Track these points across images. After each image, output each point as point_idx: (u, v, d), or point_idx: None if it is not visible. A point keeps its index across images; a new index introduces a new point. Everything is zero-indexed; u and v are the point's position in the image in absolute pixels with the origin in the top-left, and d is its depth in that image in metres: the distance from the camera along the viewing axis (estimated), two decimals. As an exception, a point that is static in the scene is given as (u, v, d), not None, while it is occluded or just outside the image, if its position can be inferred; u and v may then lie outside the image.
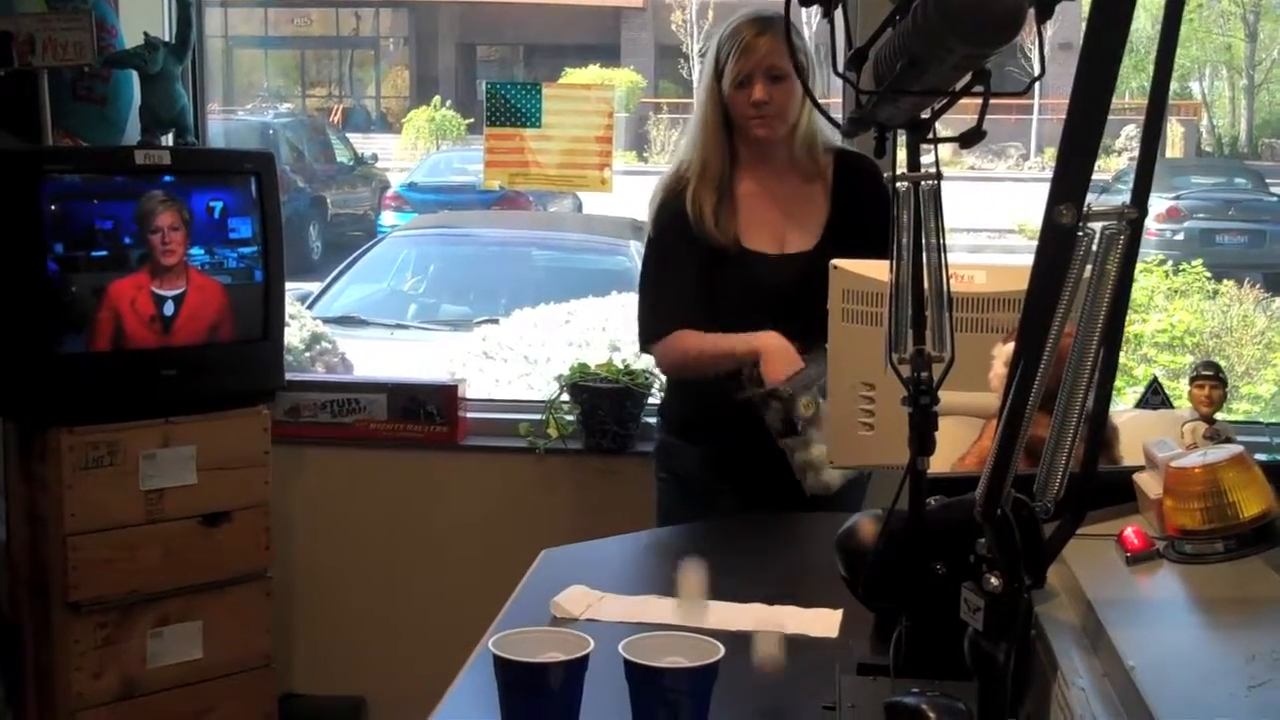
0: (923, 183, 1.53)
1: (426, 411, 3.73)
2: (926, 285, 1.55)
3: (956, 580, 1.43)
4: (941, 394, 1.54)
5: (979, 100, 1.31)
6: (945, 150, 1.52)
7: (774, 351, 2.67)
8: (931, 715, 1.43)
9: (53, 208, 3.14)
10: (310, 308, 5.81)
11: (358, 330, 5.77)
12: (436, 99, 15.95)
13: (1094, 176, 1.24)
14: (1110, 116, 1.21)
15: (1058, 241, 1.24)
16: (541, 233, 8.05)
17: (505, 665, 1.49)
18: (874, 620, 1.83)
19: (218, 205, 3.34)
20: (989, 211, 11.51)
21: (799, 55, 2.79)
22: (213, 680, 3.36)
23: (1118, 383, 1.73)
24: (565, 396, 3.69)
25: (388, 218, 10.83)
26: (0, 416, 3.27)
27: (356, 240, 10.28)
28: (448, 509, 3.77)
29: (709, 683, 1.50)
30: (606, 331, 4.64)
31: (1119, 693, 1.29)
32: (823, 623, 1.96)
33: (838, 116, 2.64)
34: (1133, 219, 1.26)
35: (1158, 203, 9.19)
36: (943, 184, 1.53)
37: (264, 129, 12.06)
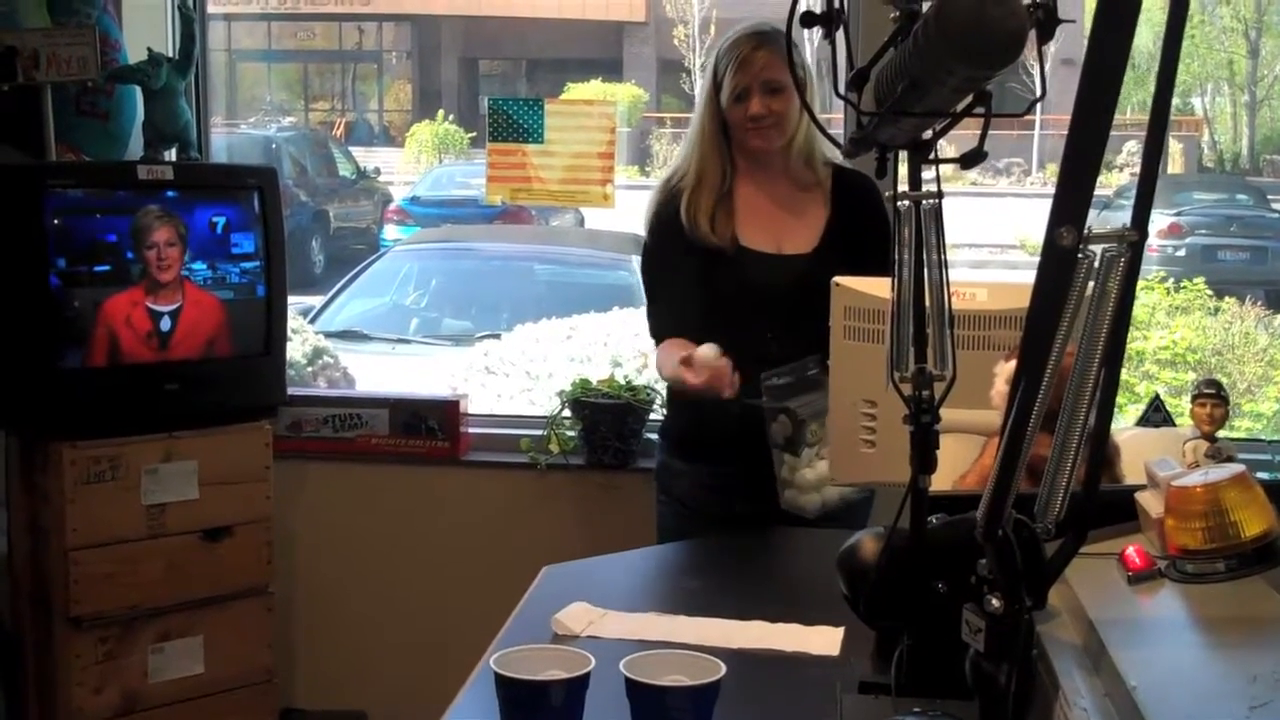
0: (924, 201, 1.54)
1: (428, 426, 3.73)
2: (928, 303, 1.55)
3: (958, 599, 1.43)
4: (943, 412, 1.54)
5: (980, 119, 1.32)
6: (946, 168, 1.52)
7: (669, 374, 2.75)
8: (933, 735, 1.43)
9: (55, 222, 3.14)
10: (312, 322, 5.81)
11: (360, 345, 5.77)
12: (440, 113, 15.97)
13: (1095, 193, 1.24)
14: (1111, 133, 1.22)
15: (1059, 263, 1.24)
16: (544, 247, 8.05)
17: (506, 683, 1.49)
18: (875, 638, 1.83)
19: (220, 220, 3.35)
20: (990, 227, 11.52)
21: (797, 70, 2.80)
22: (214, 695, 3.35)
23: (1119, 400, 1.73)
24: (567, 412, 3.68)
25: (390, 232, 10.85)
26: (3, 430, 3.27)
27: (359, 254, 10.29)
28: (449, 524, 3.77)
29: (710, 701, 1.50)
30: (608, 347, 4.64)
31: (1121, 713, 1.29)
32: (824, 641, 1.96)
33: (838, 135, 2.65)
34: (1133, 241, 1.26)
35: (1159, 219, 9.19)
36: (944, 200, 1.53)
37: (267, 143, 12.08)
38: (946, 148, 1.48)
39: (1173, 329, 6.07)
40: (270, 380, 3.47)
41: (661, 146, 15.00)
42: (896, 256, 1.57)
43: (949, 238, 1.54)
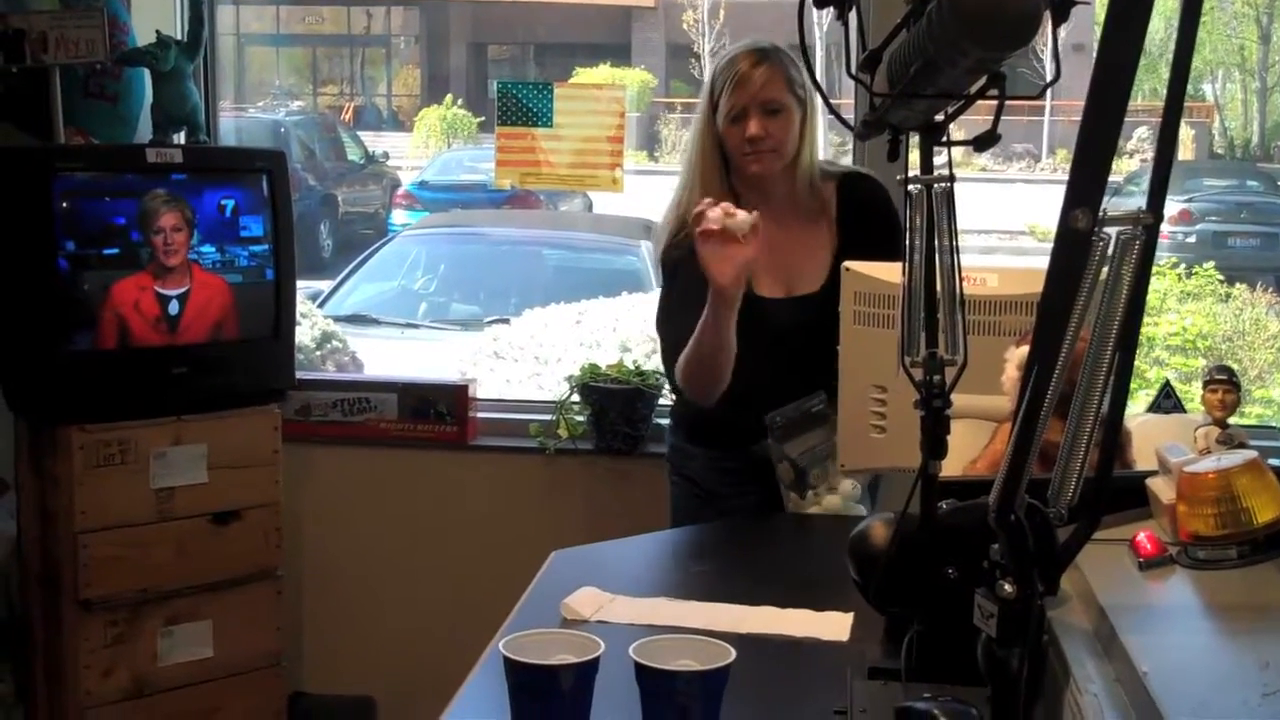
0: (935, 185, 1.53)
1: (437, 411, 3.73)
2: (939, 288, 1.54)
3: (968, 585, 1.43)
4: (953, 397, 1.53)
5: (992, 103, 1.31)
6: (957, 152, 1.51)
7: (711, 279, 2.57)
8: (943, 720, 1.43)
9: (64, 205, 3.14)
10: (321, 306, 5.82)
11: (368, 329, 5.77)
12: (448, 98, 15.95)
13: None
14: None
15: (1073, 246, 1.23)
16: (552, 232, 8.04)
17: (516, 667, 1.49)
18: (885, 624, 1.83)
19: (229, 203, 3.34)
20: (1001, 213, 11.49)
21: (795, 89, 2.75)
22: (222, 679, 3.36)
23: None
24: (576, 397, 3.68)
25: (399, 216, 10.83)
26: (12, 413, 3.27)
27: (367, 239, 10.28)
28: (458, 509, 3.77)
29: (720, 686, 1.49)
30: (617, 332, 4.64)
31: (1132, 699, 1.29)
32: (834, 626, 1.96)
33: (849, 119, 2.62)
34: (1148, 224, 1.25)
35: (1170, 205, 9.14)
36: (955, 184, 1.52)
37: (275, 127, 12.07)
38: (957, 133, 1.47)
39: (1183, 315, 6.06)
40: (279, 364, 3.47)
41: (670, 132, 14.96)
42: (907, 241, 1.57)
43: (959, 223, 1.53)
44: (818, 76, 2.84)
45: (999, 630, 1.35)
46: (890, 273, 2.25)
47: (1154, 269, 1.30)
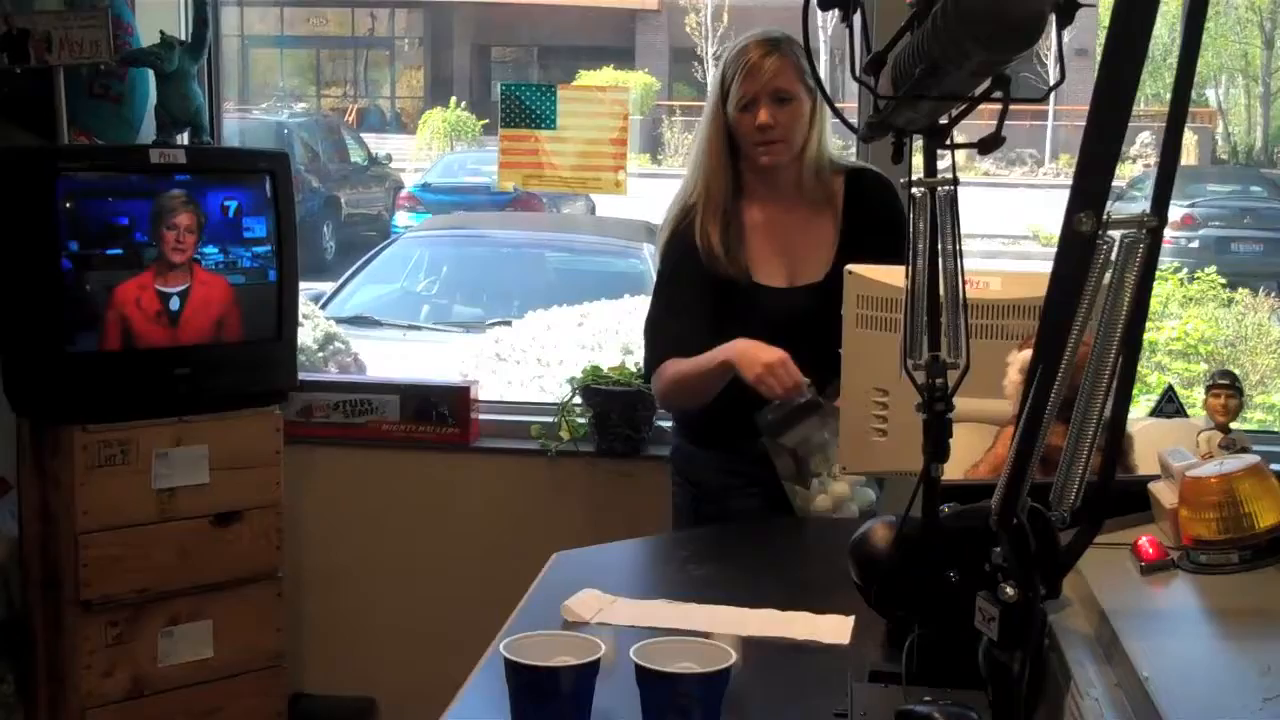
0: (939, 188, 1.53)
1: (439, 413, 3.73)
2: (942, 291, 1.54)
3: (969, 588, 1.42)
4: (956, 401, 1.53)
5: (995, 106, 1.31)
6: (960, 156, 1.51)
7: (743, 356, 2.64)
8: (944, 724, 1.43)
9: (67, 206, 3.14)
10: (324, 308, 5.80)
11: (371, 331, 5.76)
12: (452, 100, 15.95)
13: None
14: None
15: (1077, 250, 1.23)
16: (555, 235, 8.03)
17: (516, 669, 1.49)
18: (886, 627, 1.83)
19: (232, 204, 3.35)
20: (1004, 218, 11.48)
21: (805, 80, 2.76)
22: (223, 679, 3.36)
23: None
24: (577, 399, 3.68)
25: (401, 218, 10.82)
26: (14, 413, 3.27)
27: (370, 240, 10.27)
28: (459, 511, 3.77)
29: (720, 689, 1.49)
30: (619, 334, 4.63)
31: (1132, 704, 1.29)
32: (835, 629, 1.96)
33: (854, 123, 2.62)
34: (1153, 227, 1.25)
35: (1173, 210, 9.11)
36: (958, 187, 1.52)
37: (279, 128, 12.05)
38: (961, 136, 1.47)
39: (1185, 320, 6.05)
40: (281, 365, 3.47)
41: (673, 135, 14.95)
42: (911, 244, 1.57)
43: (962, 227, 1.53)
44: (822, 79, 2.86)
45: (1000, 634, 1.35)
46: (893, 276, 2.25)
47: (1156, 273, 1.30)
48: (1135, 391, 1.49)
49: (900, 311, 1.60)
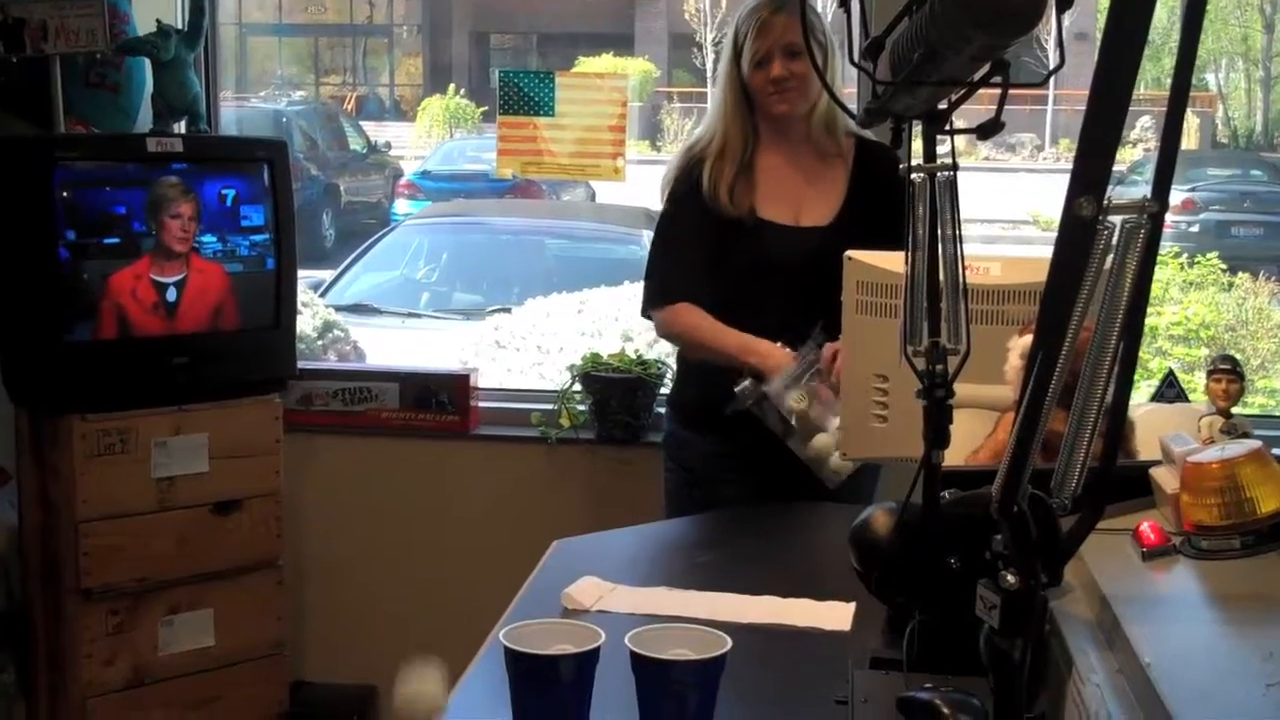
0: (939, 174, 1.52)
1: (438, 400, 3.72)
2: (942, 277, 1.54)
3: (970, 575, 1.42)
4: (956, 387, 1.53)
5: (995, 91, 1.30)
6: (960, 141, 1.51)
7: (767, 361, 2.71)
8: (945, 711, 1.42)
9: (64, 195, 3.13)
10: (323, 296, 5.80)
11: (370, 318, 5.77)
12: (451, 87, 15.92)
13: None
14: (1125, 107, 1.20)
15: (1077, 234, 1.22)
16: (554, 222, 8.02)
17: (516, 657, 1.49)
18: (887, 614, 1.82)
19: (230, 193, 3.34)
20: (1004, 203, 11.47)
21: (816, 35, 2.79)
22: (224, 668, 3.36)
23: (1132, 376, 1.71)
24: (577, 386, 3.68)
25: (401, 206, 10.82)
26: (13, 403, 3.27)
27: (369, 228, 10.25)
28: (459, 498, 3.77)
29: (715, 675, 1.49)
30: (619, 321, 4.63)
31: (1134, 689, 1.28)
32: (835, 616, 1.95)
33: (853, 107, 2.62)
34: (1154, 212, 1.24)
35: (1173, 194, 9.09)
36: (958, 173, 1.51)
37: (277, 116, 12.04)
38: (960, 123, 1.46)
39: (1186, 305, 6.04)
40: (280, 353, 3.46)
41: (672, 121, 14.94)
42: (910, 230, 1.56)
43: (962, 213, 1.53)
44: (830, 36, 2.90)
45: (1001, 621, 1.34)
46: (893, 262, 2.24)
47: (1157, 258, 1.29)
48: (1136, 377, 1.48)
49: (900, 297, 1.59)
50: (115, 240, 3.19)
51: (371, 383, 3.77)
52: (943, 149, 1.50)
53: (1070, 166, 1.21)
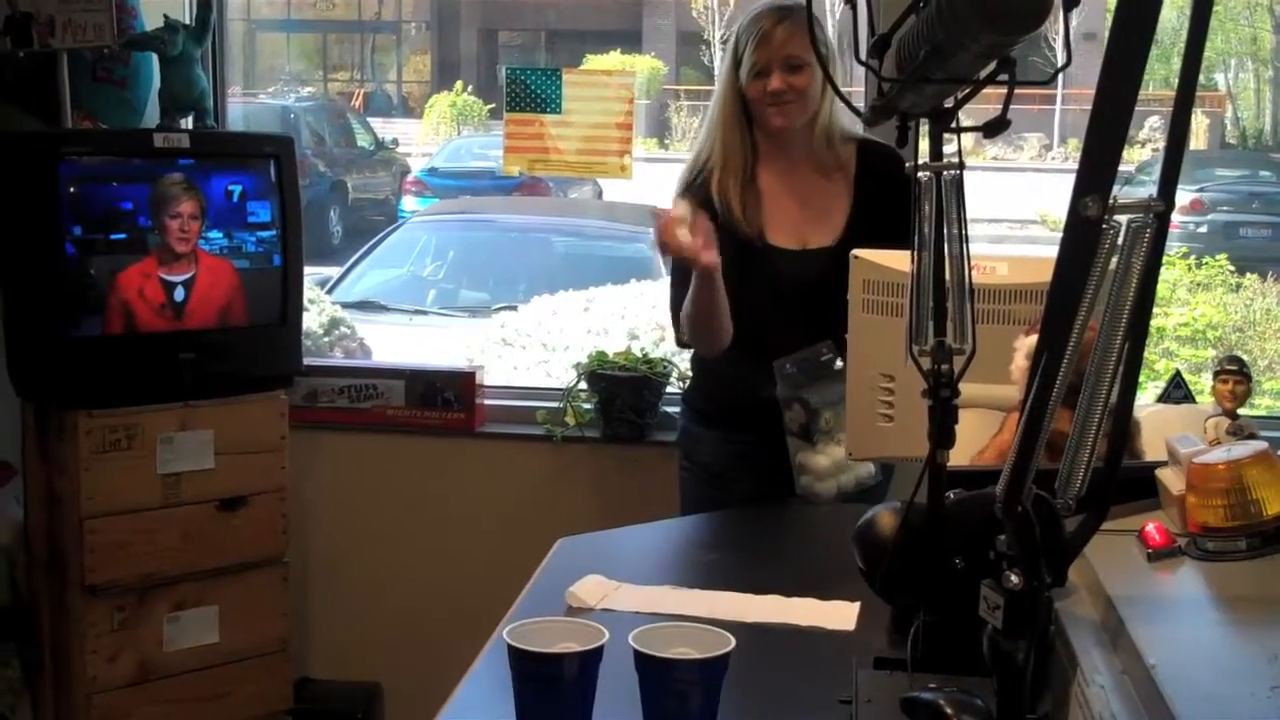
0: (945, 172, 1.52)
1: (444, 398, 3.72)
2: (948, 276, 1.53)
3: (975, 575, 1.42)
4: (962, 386, 1.52)
5: (1002, 90, 1.29)
6: (967, 140, 1.50)
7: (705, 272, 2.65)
8: (949, 711, 1.42)
9: (71, 190, 3.13)
10: (329, 292, 5.80)
11: (377, 316, 5.77)
12: (458, 84, 15.93)
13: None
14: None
15: (1083, 234, 1.22)
16: (561, 219, 8.02)
17: (520, 655, 1.48)
18: (891, 614, 1.82)
19: (237, 189, 3.34)
20: (1011, 202, 11.46)
21: (819, 46, 2.78)
22: (229, 664, 3.36)
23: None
24: (583, 385, 3.68)
25: (408, 203, 10.82)
26: (19, 398, 3.27)
27: (377, 225, 10.27)
28: (465, 496, 3.76)
29: (718, 674, 1.49)
30: (625, 320, 4.63)
31: (1139, 691, 1.28)
32: (840, 615, 1.95)
33: (859, 105, 2.61)
34: (1159, 212, 1.24)
35: (1181, 195, 9.05)
36: (964, 172, 1.51)
37: (285, 113, 12.05)
38: (966, 121, 1.46)
39: (1193, 305, 6.03)
40: (286, 350, 3.46)
41: (680, 119, 14.94)
42: (916, 229, 1.56)
43: (969, 212, 1.52)
44: (832, 45, 2.88)
45: (1005, 622, 1.34)
46: (899, 261, 2.24)
47: (1164, 259, 1.29)
48: (1143, 377, 1.48)
49: (906, 296, 1.59)
50: (122, 236, 3.19)
51: (377, 380, 3.77)
52: (949, 147, 1.50)
53: (1078, 165, 1.21)
